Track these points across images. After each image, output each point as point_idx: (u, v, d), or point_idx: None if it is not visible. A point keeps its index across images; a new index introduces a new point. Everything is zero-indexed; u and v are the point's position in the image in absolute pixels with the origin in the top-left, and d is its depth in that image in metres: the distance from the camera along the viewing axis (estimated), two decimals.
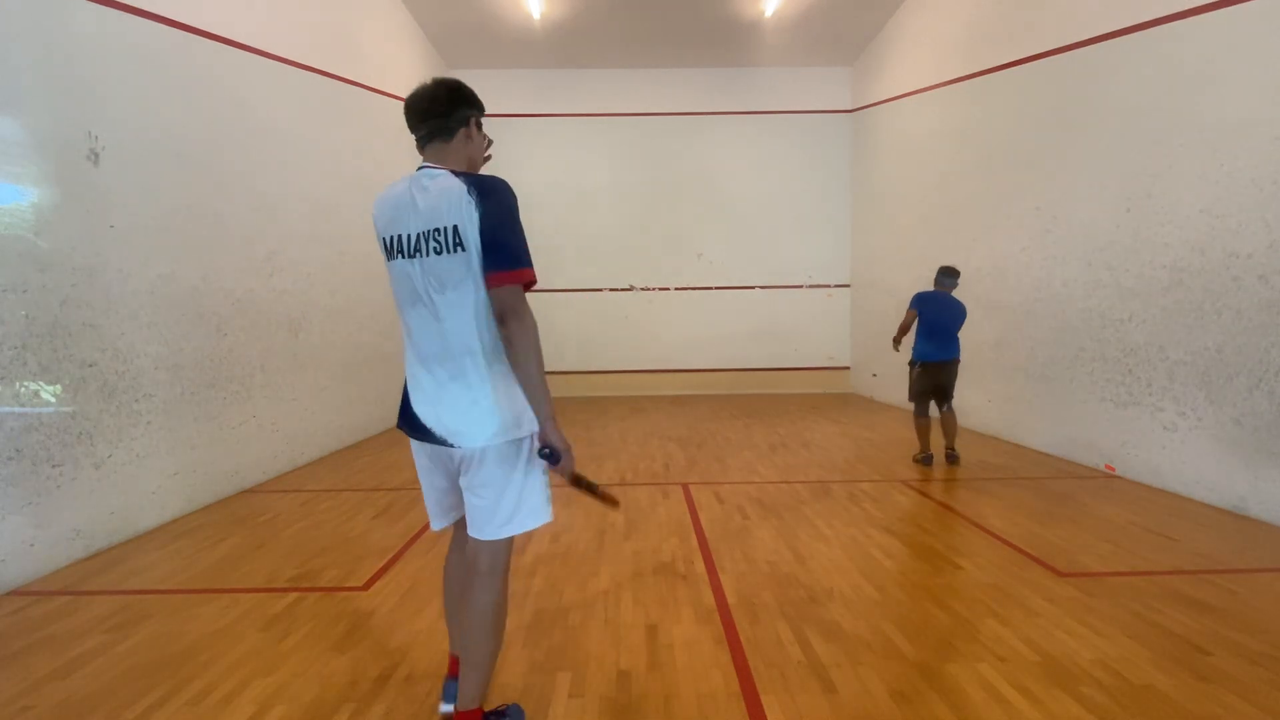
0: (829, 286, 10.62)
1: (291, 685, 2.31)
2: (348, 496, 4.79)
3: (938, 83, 7.79)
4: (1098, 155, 5.32)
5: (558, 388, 8.46)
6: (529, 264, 1.71)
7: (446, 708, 2.07)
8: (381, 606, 2.94)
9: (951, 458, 5.42)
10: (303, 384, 5.81)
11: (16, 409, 3.27)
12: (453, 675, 2.10)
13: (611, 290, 10.53)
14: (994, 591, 3.02)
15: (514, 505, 1.79)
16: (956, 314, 5.29)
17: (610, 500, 1.90)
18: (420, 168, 1.79)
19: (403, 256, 1.74)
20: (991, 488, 4.79)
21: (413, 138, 1.83)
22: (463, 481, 1.83)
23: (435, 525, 2.00)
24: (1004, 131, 6.58)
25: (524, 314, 1.69)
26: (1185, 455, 4.56)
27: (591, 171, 10.35)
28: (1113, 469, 5.17)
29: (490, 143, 1.93)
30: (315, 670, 2.41)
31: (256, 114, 5.32)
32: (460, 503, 1.93)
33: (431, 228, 1.68)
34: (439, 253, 1.68)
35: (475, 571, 1.84)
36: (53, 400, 3.45)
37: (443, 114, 1.79)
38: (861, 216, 10.22)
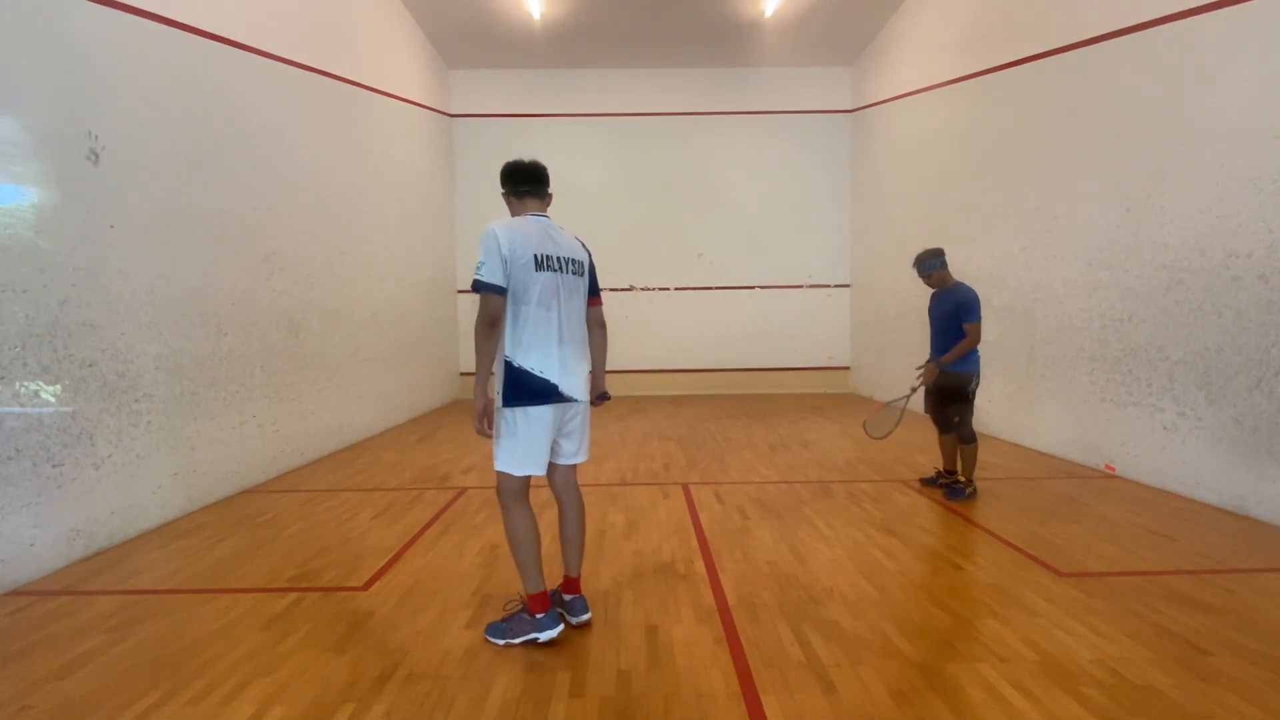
0: (829, 286, 10.61)
1: (291, 685, 2.31)
2: (348, 496, 4.79)
3: (938, 83, 7.79)
4: (1098, 155, 5.32)
5: None
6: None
7: (582, 617, 2.73)
8: (381, 606, 2.94)
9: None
10: (303, 384, 5.81)
11: (16, 409, 3.27)
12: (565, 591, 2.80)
13: (611, 290, 10.46)
14: (994, 591, 3.02)
15: (587, 439, 2.84)
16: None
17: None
18: (537, 214, 2.73)
19: (550, 270, 2.59)
20: (991, 488, 4.79)
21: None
22: (564, 430, 2.71)
23: (543, 472, 2.68)
24: (1004, 131, 6.57)
25: (604, 322, 2.92)
26: (1185, 455, 4.56)
27: (591, 171, 10.33)
28: (1113, 469, 5.17)
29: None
30: (315, 670, 2.41)
31: (256, 114, 5.32)
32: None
33: (571, 257, 2.69)
34: (576, 274, 2.70)
35: (573, 485, 2.82)
36: (53, 400, 3.45)
37: (545, 183, 2.81)
38: (861, 216, 10.21)
